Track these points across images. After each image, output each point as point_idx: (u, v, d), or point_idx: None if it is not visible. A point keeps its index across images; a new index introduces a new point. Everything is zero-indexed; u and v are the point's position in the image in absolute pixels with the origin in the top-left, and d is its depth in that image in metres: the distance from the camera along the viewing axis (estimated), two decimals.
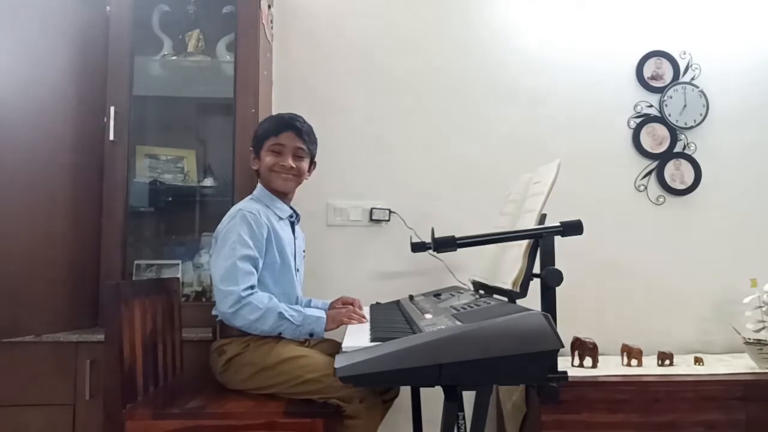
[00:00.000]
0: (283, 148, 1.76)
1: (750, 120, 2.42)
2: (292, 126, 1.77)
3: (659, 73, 2.43)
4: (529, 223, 1.47)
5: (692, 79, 2.42)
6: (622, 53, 2.42)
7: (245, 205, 1.70)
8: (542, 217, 1.48)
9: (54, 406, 1.79)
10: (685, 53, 2.43)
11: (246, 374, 1.57)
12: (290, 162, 1.77)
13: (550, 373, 1.15)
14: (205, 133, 2.33)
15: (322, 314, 1.62)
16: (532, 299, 1.33)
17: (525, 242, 1.42)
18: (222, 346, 1.61)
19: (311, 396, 1.52)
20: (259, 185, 1.82)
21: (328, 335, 1.72)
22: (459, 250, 1.41)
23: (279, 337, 1.60)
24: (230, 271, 1.56)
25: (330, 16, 2.39)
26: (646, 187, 2.40)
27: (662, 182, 2.39)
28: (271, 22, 2.31)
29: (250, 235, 1.61)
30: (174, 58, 2.17)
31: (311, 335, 1.61)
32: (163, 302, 1.71)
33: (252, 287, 1.57)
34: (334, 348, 1.77)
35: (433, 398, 1.57)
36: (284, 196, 1.82)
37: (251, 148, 1.83)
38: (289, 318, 1.56)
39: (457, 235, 1.40)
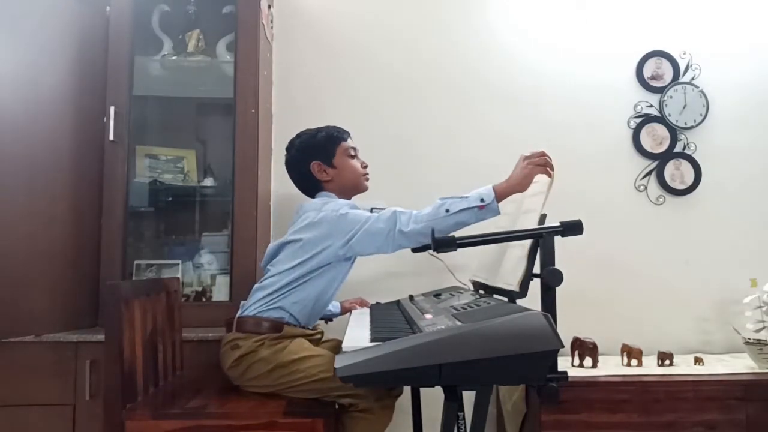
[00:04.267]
0: (356, 151, 1.82)
1: (750, 120, 2.42)
2: (348, 131, 1.83)
3: (659, 73, 2.43)
4: (529, 223, 1.47)
5: (692, 79, 2.42)
6: (622, 53, 2.42)
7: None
8: (542, 217, 1.48)
9: (54, 406, 1.79)
10: (685, 53, 2.43)
11: (257, 372, 1.54)
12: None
13: (550, 373, 1.14)
14: (205, 133, 2.33)
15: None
16: (532, 299, 1.33)
17: (528, 242, 1.42)
18: (236, 340, 1.58)
19: (323, 395, 1.51)
20: (331, 194, 1.75)
21: (333, 335, 1.71)
22: (459, 250, 1.40)
23: (293, 337, 1.58)
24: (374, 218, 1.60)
25: (330, 16, 2.39)
26: (646, 187, 2.40)
27: (662, 182, 2.39)
28: (271, 22, 2.31)
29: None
30: (174, 58, 2.18)
31: (482, 201, 1.53)
32: (163, 302, 1.71)
33: None
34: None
35: (433, 398, 1.57)
36: None
37: (317, 162, 1.74)
38: (450, 196, 1.55)
39: (457, 235, 1.40)
